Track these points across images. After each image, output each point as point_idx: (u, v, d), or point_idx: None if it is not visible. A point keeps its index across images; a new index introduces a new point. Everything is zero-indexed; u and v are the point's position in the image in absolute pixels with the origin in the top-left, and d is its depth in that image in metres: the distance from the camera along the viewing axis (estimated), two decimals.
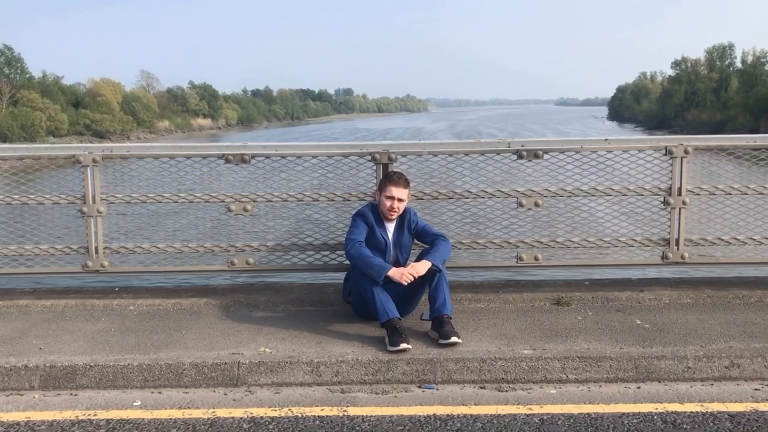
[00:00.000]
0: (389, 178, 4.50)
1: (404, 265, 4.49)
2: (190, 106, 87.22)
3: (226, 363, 3.86)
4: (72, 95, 65.67)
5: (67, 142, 41.04)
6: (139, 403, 3.66)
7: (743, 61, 70.88)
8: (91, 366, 3.86)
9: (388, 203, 4.43)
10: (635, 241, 5.05)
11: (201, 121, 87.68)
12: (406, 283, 4.18)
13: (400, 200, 4.44)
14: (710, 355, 3.86)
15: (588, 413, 3.46)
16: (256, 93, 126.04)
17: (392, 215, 4.47)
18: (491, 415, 3.46)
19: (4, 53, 60.13)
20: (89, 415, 3.52)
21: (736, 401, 3.56)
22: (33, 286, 5.43)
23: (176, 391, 3.79)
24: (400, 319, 4.15)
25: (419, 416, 3.45)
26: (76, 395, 3.75)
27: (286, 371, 3.85)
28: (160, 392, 3.78)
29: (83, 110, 63.84)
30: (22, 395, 3.75)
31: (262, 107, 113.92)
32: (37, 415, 3.53)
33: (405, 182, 4.50)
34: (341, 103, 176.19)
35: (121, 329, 4.43)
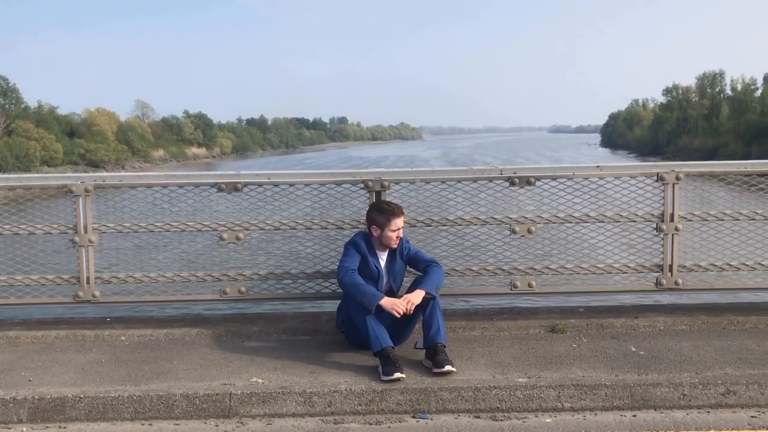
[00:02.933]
0: (392, 212, 4.42)
1: (397, 292, 4.48)
2: (185, 135, 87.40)
3: (217, 394, 3.82)
4: (67, 125, 65.74)
5: (61, 172, 41.02)
6: None
7: (733, 88, 71.71)
8: (80, 398, 3.80)
9: (394, 235, 4.42)
10: (629, 267, 5.04)
11: (196, 150, 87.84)
12: (398, 315, 4.16)
13: (401, 228, 4.46)
14: (706, 382, 3.84)
15: None
16: (251, 122, 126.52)
17: (394, 245, 4.46)
18: None
19: None
20: None
21: (732, 429, 3.53)
22: (23, 317, 5.37)
23: (167, 423, 3.74)
24: (393, 348, 4.12)
25: None
26: (65, 428, 3.70)
27: (278, 402, 3.80)
28: (150, 424, 3.73)
29: (78, 140, 63.88)
30: (9, 429, 3.69)
31: (257, 136, 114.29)
32: None
33: (402, 210, 4.52)
34: (336, 132, 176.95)
35: (112, 360, 4.39)
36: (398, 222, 4.43)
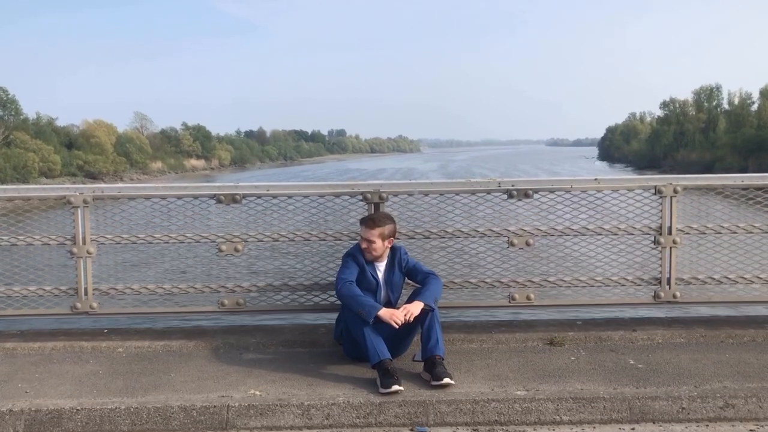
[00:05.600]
0: (362, 220, 4.56)
1: (396, 304, 4.47)
2: (184, 147, 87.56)
3: (215, 406, 3.80)
4: (65, 136, 65.88)
5: (59, 183, 41.02)
6: None
7: (730, 102, 72.03)
8: (77, 410, 3.79)
9: (363, 244, 4.46)
10: (627, 280, 5.04)
11: (194, 161, 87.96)
12: (396, 326, 4.15)
13: (370, 241, 4.41)
14: (704, 396, 3.83)
15: None
16: (249, 134, 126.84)
17: (372, 255, 4.46)
18: None
19: None
20: None
21: None
22: (21, 328, 5.35)
23: None
24: (391, 360, 4.10)
25: None
26: None
27: (276, 414, 3.79)
28: None
29: (76, 151, 63.98)
30: None
31: (255, 148, 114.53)
32: None
33: (375, 223, 4.46)
34: (334, 144, 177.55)
35: (109, 372, 4.37)
36: (364, 231, 4.43)
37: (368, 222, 4.50)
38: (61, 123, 69.06)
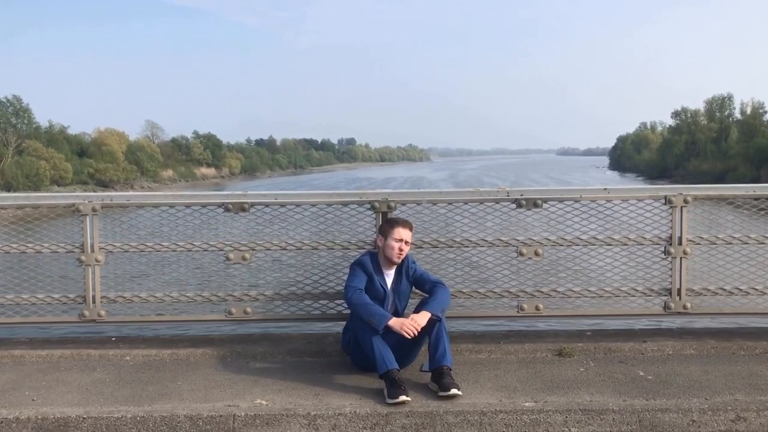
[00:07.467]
0: (396, 221, 4.52)
1: (402, 313, 4.45)
2: (194, 155, 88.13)
3: (221, 415, 3.79)
4: (77, 145, 66.44)
5: (71, 191, 41.23)
6: None
7: (742, 112, 71.75)
8: (84, 418, 3.79)
9: (396, 245, 4.41)
10: (637, 291, 5.00)
11: (205, 170, 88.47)
12: (408, 336, 4.13)
13: (407, 243, 4.45)
14: (715, 408, 3.78)
15: None
16: (259, 142, 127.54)
17: (400, 258, 4.44)
18: None
19: (12, 104, 61.06)
20: None
21: None
22: (29, 336, 5.37)
23: None
24: (399, 371, 4.08)
25: None
26: None
27: (282, 424, 3.77)
28: None
29: (88, 159, 64.53)
30: None
31: (265, 156, 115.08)
32: None
33: (410, 225, 4.53)
34: (344, 153, 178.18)
35: (116, 380, 4.37)
36: (402, 232, 4.42)
37: (405, 223, 4.50)
38: (72, 131, 69.75)
